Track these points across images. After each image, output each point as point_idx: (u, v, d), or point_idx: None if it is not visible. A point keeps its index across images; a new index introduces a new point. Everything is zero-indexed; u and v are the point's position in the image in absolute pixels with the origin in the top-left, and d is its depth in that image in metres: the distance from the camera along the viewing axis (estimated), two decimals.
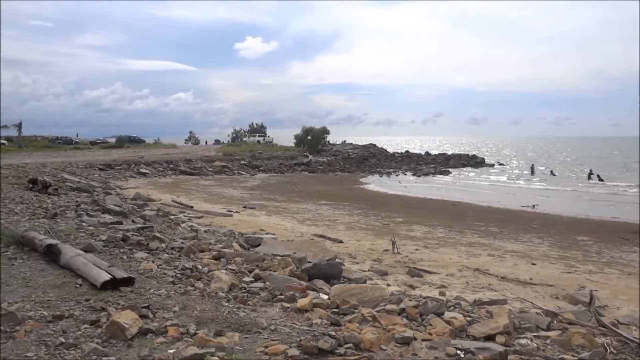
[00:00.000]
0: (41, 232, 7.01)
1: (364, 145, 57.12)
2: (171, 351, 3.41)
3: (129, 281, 4.94)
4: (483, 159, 57.33)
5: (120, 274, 4.98)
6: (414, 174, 40.21)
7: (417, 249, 11.00)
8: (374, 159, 48.19)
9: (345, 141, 62.92)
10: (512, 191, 29.44)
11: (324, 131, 52.64)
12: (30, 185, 13.27)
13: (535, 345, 4.30)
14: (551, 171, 44.16)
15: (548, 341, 4.46)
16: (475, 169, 47.41)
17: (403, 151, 59.01)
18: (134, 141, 62.12)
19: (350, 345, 3.73)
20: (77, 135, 66.55)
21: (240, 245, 9.14)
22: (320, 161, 44.02)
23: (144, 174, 30.02)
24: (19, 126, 49.28)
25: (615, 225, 16.42)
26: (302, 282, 6.21)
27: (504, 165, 55.44)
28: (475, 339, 4.33)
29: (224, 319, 4.18)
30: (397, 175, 39.48)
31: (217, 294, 5.12)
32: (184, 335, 3.74)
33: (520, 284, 8.14)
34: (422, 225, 14.76)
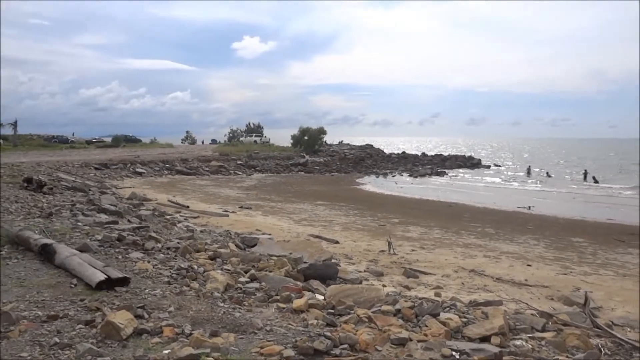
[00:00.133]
0: (36, 232, 6.98)
1: (360, 146, 57.16)
2: (166, 352, 3.40)
3: (124, 281, 4.93)
4: (479, 160, 57.45)
5: (116, 274, 4.96)
6: (410, 175, 40.23)
7: (413, 250, 11.01)
8: (370, 160, 48.23)
9: (342, 142, 63.01)
10: (508, 192, 29.52)
11: (321, 131, 52.69)
12: (25, 184, 13.21)
13: (530, 346, 4.31)
14: (547, 173, 44.29)
15: (543, 342, 4.47)
16: (471, 170, 47.49)
17: (400, 152, 59.07)
18: (130, 140, 62.01)
19: (345, 346, 3.73)
20: (72, 134, 66.45)
21: (236, 246, 9.14)
22: (317, 161, 44.02)
23: (140, 174, 29.94)
24: (15, 125, 49.07)
25: (610, 227, 16.48)
26: (298, 283, 6.22)
27: (500, 166, 55.58)
28: (470, 340, 4.33)
29: (219, 319, 4.18)
30: (393, 176, 39.51)
31: (213, 295, 5.11)
32: (179, 335, 3.73)
33: (516, 285, 8.16)
34: (418, 226, 14.78)
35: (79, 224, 8.53)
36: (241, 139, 65.81)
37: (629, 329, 5.76)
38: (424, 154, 57.95)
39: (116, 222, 9.24)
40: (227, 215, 14.85)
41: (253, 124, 73.61)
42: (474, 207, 20.99)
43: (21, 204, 10.32)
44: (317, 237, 11.73)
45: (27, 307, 4.21)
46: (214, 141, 76.01)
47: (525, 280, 8.54)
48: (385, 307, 5.11)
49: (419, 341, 4.01)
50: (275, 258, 7.72)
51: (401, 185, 31.90)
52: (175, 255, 7.02)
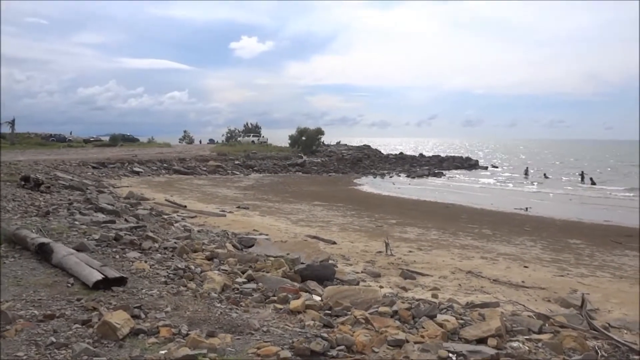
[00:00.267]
0: (33, 231, 6.97)
1: (358, 147, 57.20)
2: (163, 352, 3.39)
3: (121, 281, 4.92)
4: (477, 161, 57.54)
5: (113, 273, 4.95)
6: (407, 176, 40.29)
7: (410, 251, 11.02)
8: (368, 160, 48.25)
9: (339, 142, 63.00)
10: (505, 194, 29.58)
11: (319, 132, 52.72)
12: (23, 183, 13.19)
13: (527, 348, 4.31)
14: (545, 174, 44.38)
15: (540, 344, 4.47)
16: (469, 171, 47.57)
17: (397, 153, 59.12)
18: (128, 140, 61.88)
19: (342, 347, 3.73)
20: (70, 133, 66.04)
21: (234, 246, 9.14)
22: (315, 162, 44.02)
23: (138, 173, 29.91)
24: (12, 123, 48.95)
25: (607, 228, 16.53)
26: (295, 284, 6.21)
27: (497, 167, 55.68)
28: (467, 341, 4.34)
29: (216, 320, 4.17)
30: (391, 177, 39.54)
31: (210, 295, 5.10)
32: (175, 336, 3.72)
33: (513, 287, 8.18)
34: (416, 227, 14.79)
35: (76, 223, 8.51)
36: (239, 139, 65.74)
37: (625, 331, 5.78)
38: (421, 155, 57.99)
39: (113, 222, 9.22)
40: (225, 215, 14.84)
41: (251, 124, 73.61)
42: (471, 208, 21.02)
43: (18, 203, 10.30)
44: (314, 237, 11.73)
45: (24, 306, 4.19)
46: (211, 141, 75.94)
47: (522, 281, 8.55)
48: (382, 309, 5.10)
49: (415, 343, 4.01)
50: (272, 259, 7.71)
51: (398, 186, 31.92)
52: (173, 255, 7.00)
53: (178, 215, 13.56)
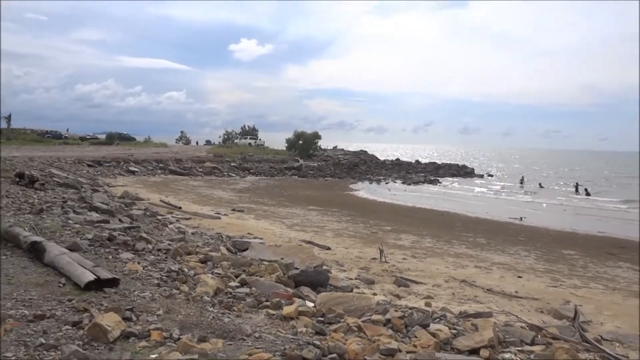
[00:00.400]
0: (26, 228, 6.91)
1: (354, 152, 57.30)
2: (153, 356, 3.36)
3: (113, 282, 4.88)
4: (473, 169, 57.65)
5: (105, 274, 4.92)
6: (403, 182, 40.32)
7: (404, 258, 11.01)
8: (364, 166, 48.32)
9: (336, 147, 63.05)
10: (500, 202, 29.61)
11: (316, 136, 52.80)
12: (17, 179, 13.10)
13: (519, 359, 4.30)
14: (540, 184, 44.50)
15: (532, 356, 4.47)
16: (464, 179, 47.66)
17: (393, 159, 59.19)
18: (125, 138, 61.75)
19: (334, 355, 3.70)
20: (67, 130, 65.80)
21: (228, 249, 9.10)
22: (311, 166, 44.05)
23: (133, 172, 29.84)
24: (8, 118, 48.77)
25: (601, 239, 16.57)
26: (289, 289, 6.18)
27: (492, 176, 55.81)
28: (459, 352, 4.33)
29: (208, 324, 4.14)
30: (386, 183, 39.57)
31: (202, 299, 5.08)
32: (167, 340, 3.69)
33: (506, 297, 8.18)
34: (411, 235, 14.79)
35: (70, 221, 8.46)
36: (236, 141, 65.77)
37: (617, 344, 5.78)
38: (417, 162, 58.07)
39: (107, 221, 9.17)
40: (220, 218, 14.81)
41: (248, 126, 73.61)
42: (466, 217, 21.04)
43: (12, 199, 10.22)
44: (308, 242, 11.71)
45: (14, 305, 4.15)
46: (208, 142, 75.91)
47: (516, 292, 8.56)
48: (375, 317, 5.09)
49: (408, 352, 4.00)
50: (266, 263, 7.68)
51: (394, 193, 31.93)
52: (166, 257, 6.97)
53: (172, 217, 13.53)
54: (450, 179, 46.80)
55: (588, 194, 36.08)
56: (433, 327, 4.89)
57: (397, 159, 58.87)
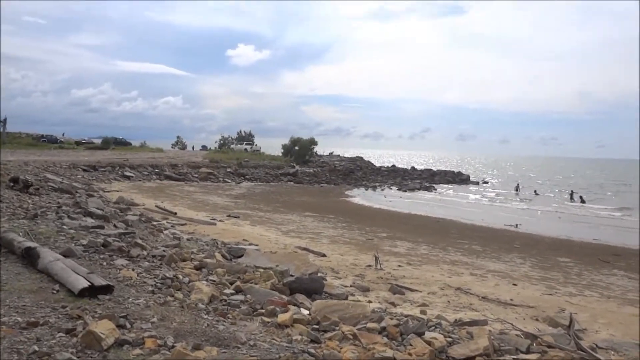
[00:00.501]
0: (20, 234, 6.87)
1: (350, 158, 57.46)
2: None
3: (107, 289, 4.84)
4: (468, 176, 57.82)
5: (99, 281, 4.88)
6: (399, 189, 40.39)
7: (400, 266, 11.01)
8: (360, 172, 48.40)
9: (332, 153, 63.17)
10: (496, 209, 29.70)
11: (312, 142, 52.91)
12: (12, 184, 13.04)
13: None
14: (535, 191, 44.67)
15: None
16: (460, 186, 47.77)
17: (389, 165, 59.31)
18: (120, 143, 61.65)
19: None
20: (63, 135, 65.79)
21: (223, 256, 9.07)
22: (307, 172, 44.05)
23: (129, 177, 29.73)
24: (4, 122, 48.62)
25: (596, 247, 16.63)
26: (284, 297, 6.17)
27: (488, 183, 55.97)
28: None
29: (202, 332, 4.12)
30: (382, 189, 39.62)
31: (197, 306, 5.05)
32: (161, 347, 3.66)
33: (501, 305, 8.18)
34: (406, 241, 14.79)
35: (65, 227, 8.41)
36: (232, 146, 65.73)
37: (612, 352, 5.78)
38: (413, 168, 58.22)
39: (102, 227, 9.12)
40: (215, 224, 14.77)
41: (244, 131, 73.68)
42: (461, 224, 21.08)
43: (6, 204, 10.16)
44: (304, 249, 11.69)
45: (7, 312, 4.11)
46: (204, 147, 75.87)
47: (511, 299, 8.56)
48: (370, 325, 5.08)
49: None
50: (261, 270, 7.66)
51: (390, 199, 31.97)
52: (161, 264, 6.94)
53: (168, 222, 13.48)
54: (446, 185, 46.92)
55: (583, 202, 36.23)
56: (428, 335, 4.89)
57: (393, 166, 59.03)
